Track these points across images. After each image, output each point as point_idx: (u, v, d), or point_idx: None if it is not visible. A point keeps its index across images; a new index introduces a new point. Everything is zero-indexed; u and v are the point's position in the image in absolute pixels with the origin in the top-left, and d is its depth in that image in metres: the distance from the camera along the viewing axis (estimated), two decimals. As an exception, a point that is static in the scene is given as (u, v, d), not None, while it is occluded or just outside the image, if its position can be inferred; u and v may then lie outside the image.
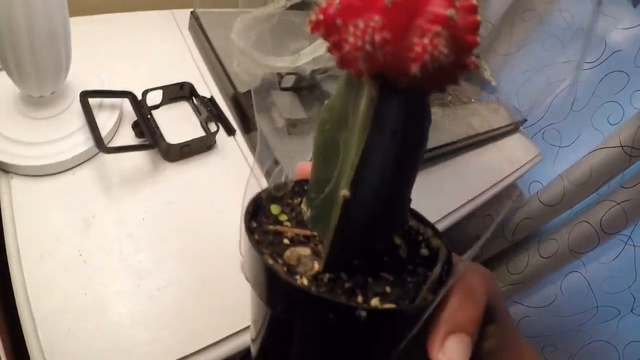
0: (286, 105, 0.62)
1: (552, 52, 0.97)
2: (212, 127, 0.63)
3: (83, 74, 0.62)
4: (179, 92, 0.65)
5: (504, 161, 0.88)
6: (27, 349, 0.41)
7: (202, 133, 0.63)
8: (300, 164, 0.27)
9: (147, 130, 0.58)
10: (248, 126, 0.63)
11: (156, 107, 0.64)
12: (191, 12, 0.74)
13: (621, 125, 0.87)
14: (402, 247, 0.23)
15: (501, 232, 1.06)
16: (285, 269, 0.21)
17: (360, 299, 0.20)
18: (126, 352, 0.43)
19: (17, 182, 0.52)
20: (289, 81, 0.66)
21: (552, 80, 0.97)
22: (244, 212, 0.24)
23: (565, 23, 0.96)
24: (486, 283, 0.22)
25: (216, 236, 0.55)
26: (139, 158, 0.59)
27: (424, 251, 0.24)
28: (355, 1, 0.16)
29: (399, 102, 0.18)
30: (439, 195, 0.73)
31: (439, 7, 0.16)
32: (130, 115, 0.62)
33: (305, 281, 0.20)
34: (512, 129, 0.96)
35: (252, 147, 0.62)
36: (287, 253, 0.21)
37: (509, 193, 0.92)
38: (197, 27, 0.72)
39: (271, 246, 0.22)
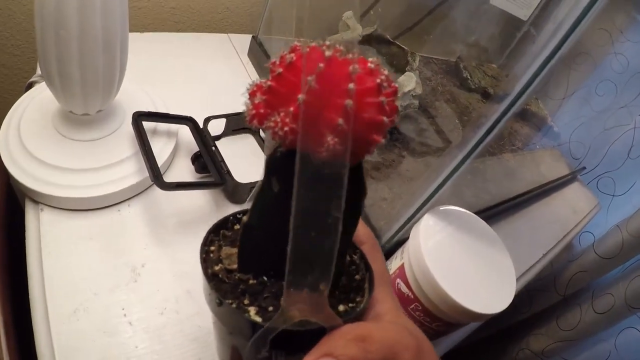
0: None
1: (607, 96, 0.89)
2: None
3: (133, 92, 0.50)
4: (243, 123, 0.54)
5: (569, 211, 0.78)
6: None
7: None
8: None
9: (212, 165, 0.47)
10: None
11: (217, 137, 0.53)
12: (253, 37, 0.64)
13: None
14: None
15: (552, 285, 0.94)
16: (219, 257, 0.24)
17: (246, 300, 0.22)
18: None
19: (48, 216, 0.40)
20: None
21: (608, 127, 0.89)
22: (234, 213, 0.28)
23: (621, 67, 0.88)
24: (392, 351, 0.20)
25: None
26: (199, 197, 0.47)
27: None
28: (273, 98, 0.19)
29: (287, 164, 0.19)
30: (518, 249, 0.62)
31: (335, 114, 0.18)
32: (188, 145, 0.50)
33: (218, 268, 0.24)
34: (571, 177, 0.86)
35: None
36: (224, 249, 0.25)
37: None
38: (261, 52, 0.61)
39: (229, 241, 0.26)
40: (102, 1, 0.35)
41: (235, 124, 0.54)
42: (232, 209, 0.47)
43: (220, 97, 0.57)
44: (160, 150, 0.47)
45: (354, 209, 0.22)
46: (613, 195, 0.92)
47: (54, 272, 0.36)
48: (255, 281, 0.23)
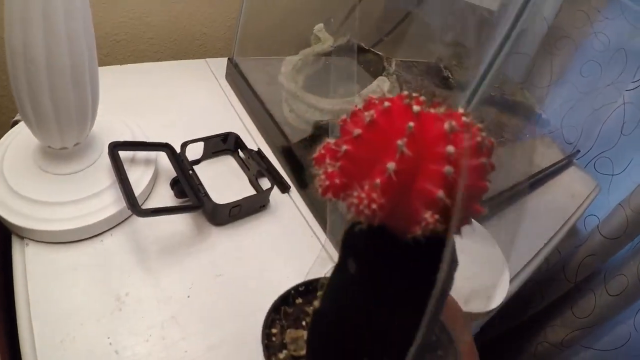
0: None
1: (593, 77, 0.87)
2: (263, 183, 0.51)
3: (111, 124, 0.50)
4: (222, 145, 0.54)
5: (567, 196, 0.75)
6: None
7: (251, 191, 0.50)
8: None
9: (189, 189, 0.46)
10: (304, 180, 0.51)
11: (197, 162, 0.53)
12: (229, 59, 0.64)
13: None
14: None
15: (562, 273, 0.91)
16: (283, 341, 0.22)
17: None
18: None
19: (33, 250, 0.40)
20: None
21: (597, 106, 0.87)
22: (291, 289, 0.25)
23: (602, 45, 0.86)
24: None
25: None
26: (180, 222, 0.46)
27: None
28: (351, 166, 0.15)
29: (370, 242, 0.17)
30: (518, 242, 0.60)
31: (432, 184, 0.14)
32: (167, 172, 0.50)
33: (282, 356, 0.22)
34: (567, 162, 0.84)
35: (311, 204, 0.50)
36: (288, 331, 0.22)
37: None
38: (237, 74, 0.61)
39: (291, 320, 0.23)
40: (67, 35, 0.35)
41: (215, 146, 0.53)
42: (214, 231, 0.46)
43: (199, 122, 0.56)
44: (139, 178, 0.47)
45: (447, 284, 0.18)
46: (612, 175, 0.90)
47: (41, 304, 0.36)
48: None
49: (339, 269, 0.18)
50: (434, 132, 0.15)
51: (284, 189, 0.51)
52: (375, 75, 0.62)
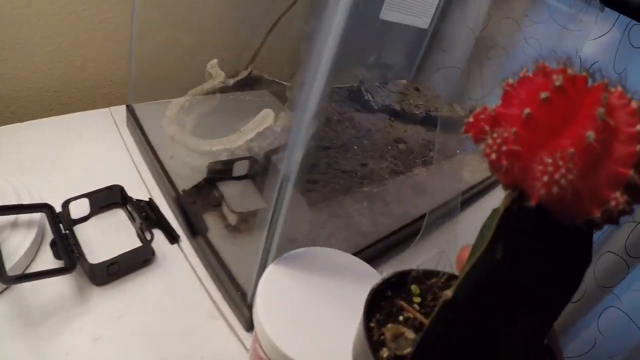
0: (237, 198, 0.46)
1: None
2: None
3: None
4: (111, 198, 0.50)
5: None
6: None
7: (138, 245, 0.46)
8: (462, 248, 0.23)
9: (63, 251, 0.42)
10: (194, 229, 0.47)
11: (85, 218, 0.49)
12: (126, 106, 0.60)
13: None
14: None
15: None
16: (381, 337, 0.20)
17: None
18: None
19: None
20: (241, 167, 0.51)
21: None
22: (383, 280, 0.23)
23: (534, 51, 0.84)
24: None
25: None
26: (62, 285, 0.42)
27: None
28: (504, 111, 0.15)
29: (524, 225, 0.15)
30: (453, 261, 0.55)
31: (621, 164, 0.13)
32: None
33: (385, 354, 0.19)
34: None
35: (202, 253, 0.45)
36: (389, 326, 0.21)
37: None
38: (133, 121, 0.58)
39: (385, 314, 0.21)
40: None
41: (103, 200, 0.49)
42: (96, 292, 0.42)
43: (95, 175, 0.53)
44: (21, 242, 0.43)
45: (577, 282, 0.17)
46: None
47: None
48: None
49: (483, 256, 0.16)
50: (622, 110, 0.13)
51: (173, 239, 0.47)
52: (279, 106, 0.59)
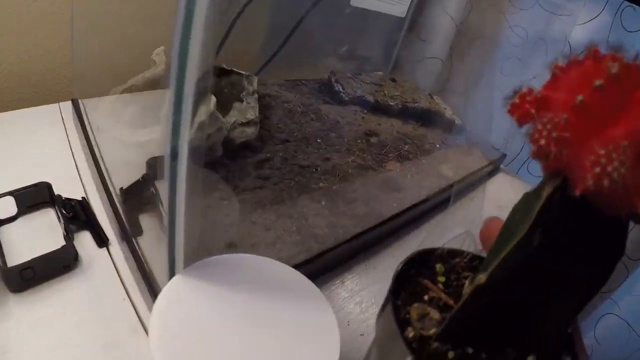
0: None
1: (514, 74, 0.78)
2: (82, 237, 0.42)
3: None
4: (39, 197, 0.44)
5: (493, 208, 0.65)
6: None
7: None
8: (486, 222, 0.23)
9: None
10: (125, 232, 0.41)
11: (12, 219, 0.44)
12: (72, 100, 0.55)
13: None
14: None
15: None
16: (406, 316, 0.20)
17: None
18: None
19: None
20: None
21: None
22: (408, 258, 0.23)
23: (520, 39, 0.78)
24: None
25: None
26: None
27: None
28: (552, 95, 0.14)
29: (566, 214, 0.15)
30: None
31: (636, 119, 0.12)
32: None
33: (410, 334, 0.19)
34: (493, 169, 0.74)
35: (132, 259, 0.40)
36: (415, 305, 0.20)
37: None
38: (78, 117, 0.52)
39: (409, 293, 0.21)
40: None
41: (31, 199, 0.44)
42: (12, 299, 0.37)
43: (30, 173, 0.47)
44: None
45: (609, 271, 0.17)
46: (550, 177, 0.80)
47: None
48: (454, 353, 0.18)
49: (520, 242, 0.16)
50: None
51: (102, 243, 0.41)
52: (239, 98, 0.53)
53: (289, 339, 0.26)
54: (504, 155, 0.76)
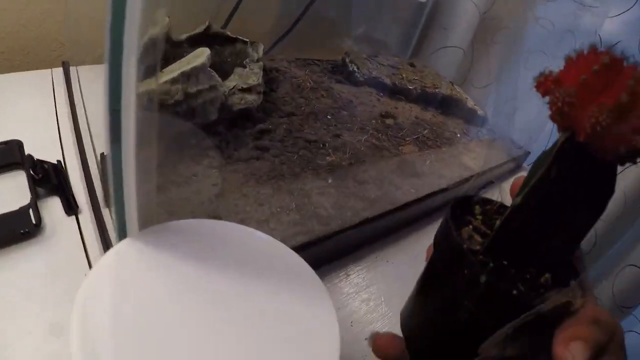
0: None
1: (540, 68, 0.72)
2: (50, 203, 0.36)
3: None
4: (9, 157, 0.39)
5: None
6: None
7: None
8: (516, 179, 0.27)
9: None
10: (96, 199, 0.35)
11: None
12: (62, 63, 0.50)
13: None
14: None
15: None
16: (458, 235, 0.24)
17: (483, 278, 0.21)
18: None
19: None
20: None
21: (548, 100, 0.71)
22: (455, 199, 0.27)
23: (547, 32, 0.72)
24: (611, 331, 0.21)
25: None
26: None
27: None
28: (565, 75, 0.20)
29: (573, 156, 0.20)
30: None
31: (618, 91, 0.18)
32: None
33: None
34: (514, 166, 0.67)
35: (99, 229, 0.34)
36: (466, 229, 0.25)
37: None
38: (68, 83, 0.47)
39: (458, 222, 0.25)
40: None
41: (1, 158, 0.39)
42: None
43: (13, 133, 0.42)
44: None
45: (602, 207, 0.22)
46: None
47: None
48: (493, 264, 0.22)
49: (543, 174, 0.20)
50: None
51: (70, 210, 0.35)
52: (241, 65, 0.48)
53: (269, 341, 0.19)
54: (528, 153, 0.69)
